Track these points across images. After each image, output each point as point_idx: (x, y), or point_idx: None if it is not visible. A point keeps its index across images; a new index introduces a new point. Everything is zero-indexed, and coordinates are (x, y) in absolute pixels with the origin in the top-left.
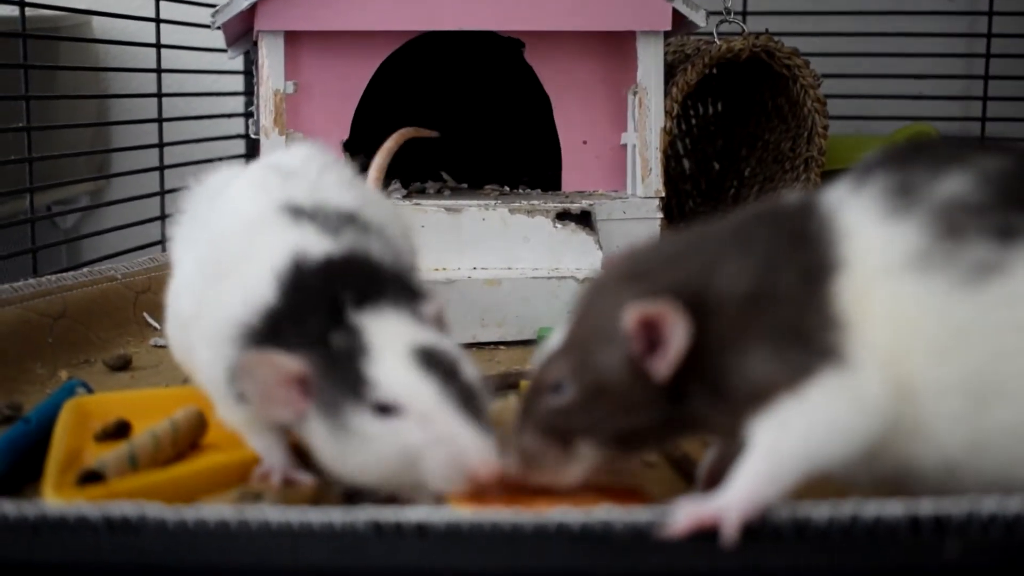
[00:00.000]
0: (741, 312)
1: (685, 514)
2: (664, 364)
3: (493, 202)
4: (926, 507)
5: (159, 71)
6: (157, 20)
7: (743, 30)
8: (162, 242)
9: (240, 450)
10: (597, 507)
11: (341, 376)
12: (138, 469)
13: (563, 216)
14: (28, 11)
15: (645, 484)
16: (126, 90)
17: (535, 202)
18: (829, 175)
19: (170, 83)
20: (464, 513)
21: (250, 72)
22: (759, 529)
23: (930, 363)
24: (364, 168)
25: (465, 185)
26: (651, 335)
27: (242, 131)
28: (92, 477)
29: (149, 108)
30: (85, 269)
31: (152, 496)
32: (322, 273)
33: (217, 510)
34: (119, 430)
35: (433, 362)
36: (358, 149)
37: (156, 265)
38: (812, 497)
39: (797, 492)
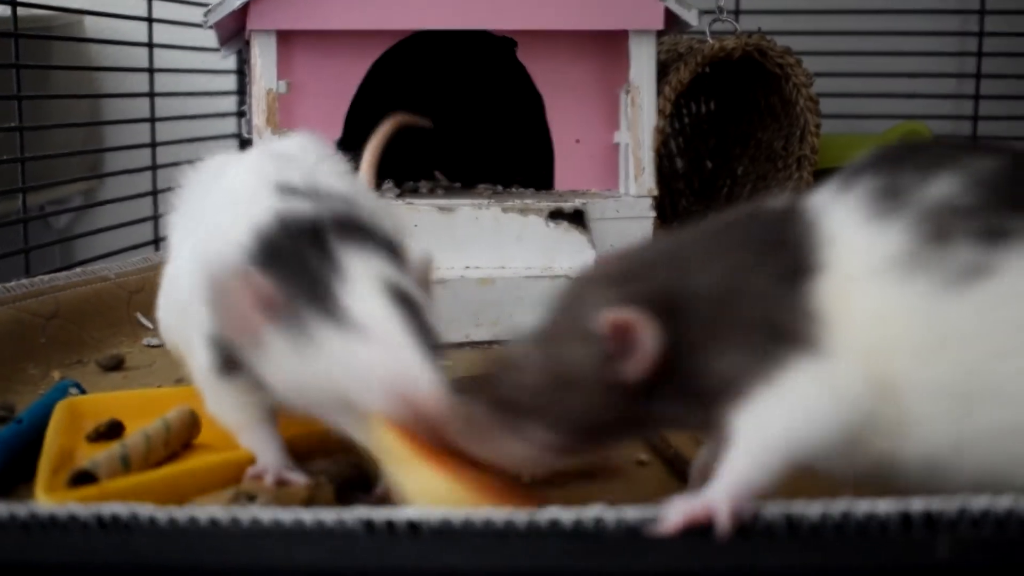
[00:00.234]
0: (715, 313)
1: (676, 511)
2: (633, 369)
3: (486, 201)
4: (917, 505)
5: (151, 70)
6: (149, 19)
7: (735, 29)
8: (155, 242)
9: (233, 450)
10: (590, 507)
11: (309, 291)
12: (130, 469)
13: (556, 215)
14: (20, 11)
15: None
16: (119, 90)
17: (528, 201)
18: (822, 173)
19: (163, 83)
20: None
21: (243, 72)
22: (751, 527)
23: (915, 364)
24: (357, 167)
25: (458, 184)
26: (623, 340)
27: (235, 131)
28: (84, 477)
29: (142, 108)
30: (78, 269)
31: (144, 496)
32: (308, 222)
33: (209, 510)
34: (112, 430)
35: (403, 299)
36: (351, 148)
37: (149, 265)
38: (804, 496)
39: (789, 491)
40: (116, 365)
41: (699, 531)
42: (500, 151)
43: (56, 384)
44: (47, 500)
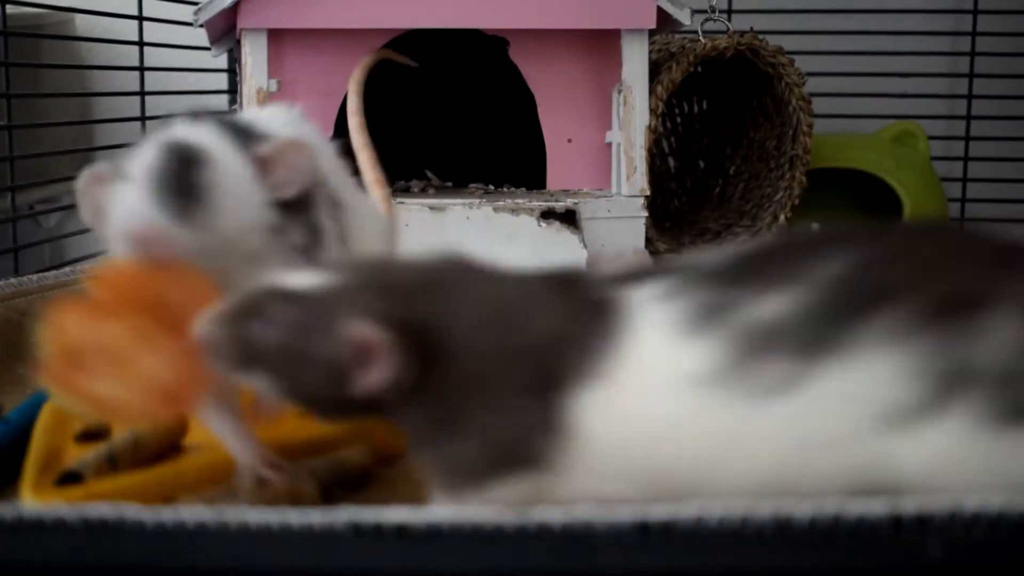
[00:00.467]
0: (467, 382)
1: None
2: (362, 387)
3: (477, 200)
4: (909, 506)
5: (142, 69)
6: (140, 18)
7: (728, 28)
8: None
9: (221, 451)
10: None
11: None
12: (117, 470)
13: (548, 215)
14: (9, 9)
15: None
16: (109, 88)
17: (519, 201)
18: (815, 173)
19: (153, 81)
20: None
21: (234, 70)
22: (739, 529)
23: (714, 472)
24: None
25: (450, 184)
26: (362, 356)
27: None
28: (71, 478)
29: (132, 106)
30: (67, 268)
31: (131, 497)
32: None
33: (196, 512)
34: (99, 431)
35: (183, 158)
36: (342, 147)
37: None
38: None
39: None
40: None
41: (688, 533)
42: (492, 150)
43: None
44: (34, 500)
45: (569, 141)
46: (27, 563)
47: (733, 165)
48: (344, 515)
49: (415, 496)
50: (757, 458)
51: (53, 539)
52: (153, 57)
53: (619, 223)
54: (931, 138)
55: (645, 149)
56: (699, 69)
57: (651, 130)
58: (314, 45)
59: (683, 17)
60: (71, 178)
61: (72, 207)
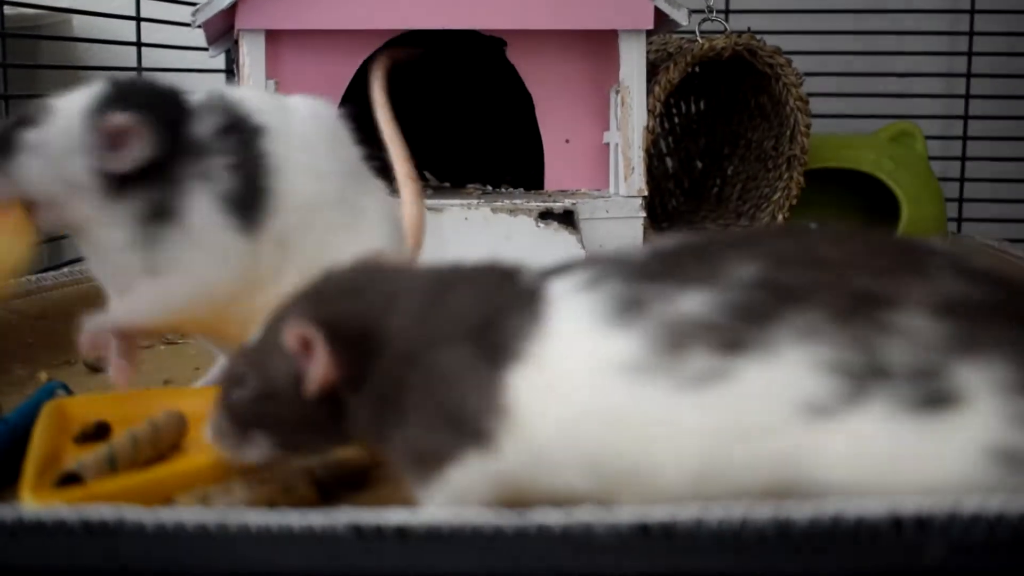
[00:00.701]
0: (408, 369)
1: None
2: (308, 385)
3: (475, 201)
4: (909, 507)
5: (139, 70)
6: (137, 19)
7: (725, 28)
8: None
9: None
10: (578, 508)
11: None
12: (117, 471)
13: (545, 215)
14: (7, 10)
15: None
16: None
17: (517, 201)
18: (813, 174)
19: None
20: (445, 515)
21: (231, 71)
22: (739, 530)
23: (648, 454)
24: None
25: (447, 184)
26: (304, 354)
27: None
28: (70, 479)
29: None
30: (65, 269)
31: (131, 498)
32: None
33: (196, 513)
34: (99, 432)
35: None
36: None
37: None
38: None
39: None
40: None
41: (688, 535)
42: (489, 151)
43: (43, 385)
44: (33, 502)
45: (567, 141)
46: (27, 565)
47: (731, 165)
48: (345, 516)
49: (414, 497)
50: (679, 448)
51: (53, 541)
52: (150, 58)
53: (617, 223)
54: (929, 138)
55: (643, 150)
56: (697, 69)
57: (649, 131)
58: (311, 46)
59: (680, 17)
60: None
61: None
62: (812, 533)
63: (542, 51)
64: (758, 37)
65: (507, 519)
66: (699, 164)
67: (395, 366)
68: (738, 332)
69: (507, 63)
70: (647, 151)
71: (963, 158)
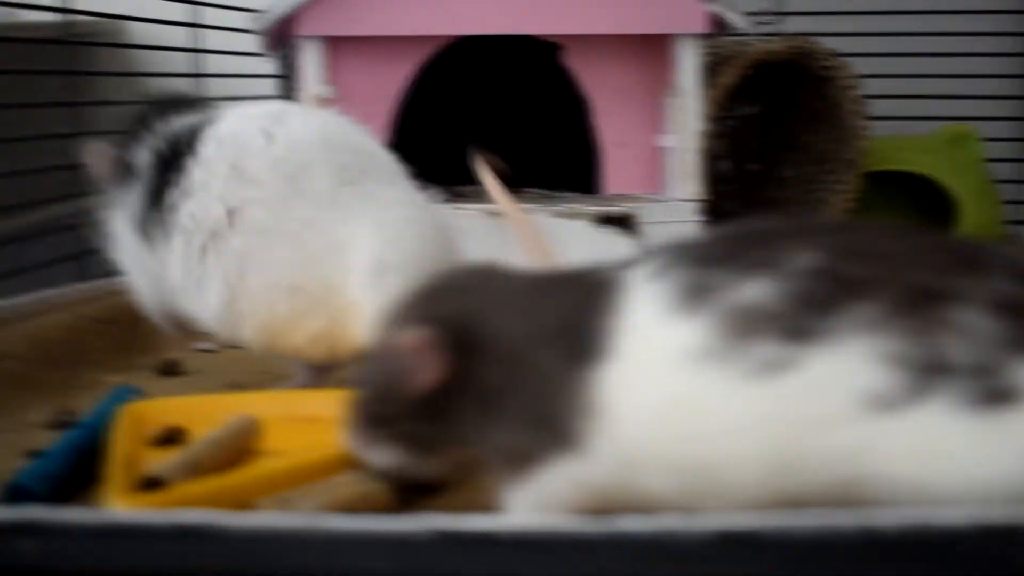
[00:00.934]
0: (504, 371)
1: None
2: (419, 384)
3: (535, 206)
4: (997, 516)
5: (195, 76)
6: (194, 25)
7: (780, 31)
8: None
9: (295, 456)
10: (662, 515)
11: None
12: (197, 475)
13: (603, 220)
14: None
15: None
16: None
17: (575, 206)
18: (869, 176)
19: (206, 88)
20: (529, 521)
21: (283, 76)
22: (824, 539)
23: (720, 446)
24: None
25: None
26: (414, 356)
27: None
28: (153, 483)
29: None
30: None
31: (213, 502)
32: None
33: (284, 518)
34: (173, 436)
35: None
36: (397, 153)
37: None
38: None
39: None
40: (171, 370)
41: (771, 543)
42: (543, 155)
43: (115, 389)
44: (119, 506)
45: (623, 145)
46: (117, 568)
47: (787, 168)
48: (429, 522)
49: (491, 502)
50: (748, 440)
51: (143, 545)
52: (205, 63)
53: (674, 227)
54: (985, 140)
55: (699, 153)
56: (751, 72)
57: (705, 134)
58: (368, 52)
59: (737, 21)
60: None
61: None
62: (898, 542)
63: (598, 55)
64: (813, 39)
65: (590, 525)
66: (754, 167)
67: (494, 367)
68: (803, 320)
69: (561, 67)
70: (703, 155)
71: (1020, 160)
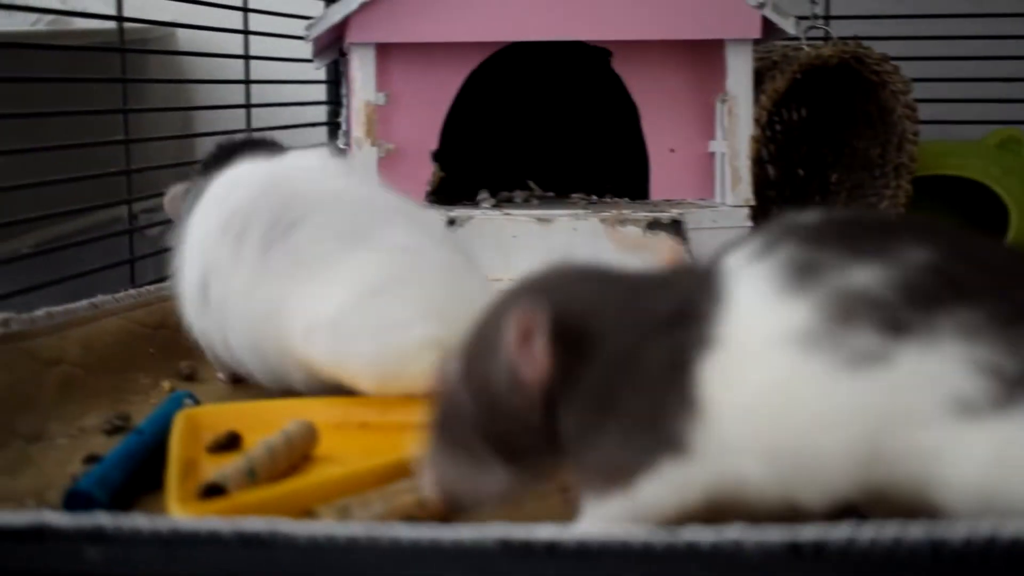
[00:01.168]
0: (610, 368)
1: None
2: (531, 368)
3: (583, 211)
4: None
5: (247, 82)
6: (246, 32)
7: (830, 35)
8: None
9: (355, 463)
10: (729, 527)
11: None
12: (256, 482)
13: (654, 225)
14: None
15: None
16: (208, 101)
17: (625, 211)
18: (918, 181)
19: (254, 93)
20: (594, 531)
21: (334, 82)
22: (892, 550)
23: (813, 431)
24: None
25: (551, 194)
26: (524, 340)
27: (325, 140)
28: (214, 490)
29: (234, 118)
30: None
31: (273, 510)
32: None
33: (347, 527)
34: (230, 442)
35: None
36: (447, 158)
37: None
38: None
39: None
40: (190, 375)
41: (839, 554)
42: (592, 160)
43: (171, 395)
44: (181, 512)
45: (672, 151)
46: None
47: (835, 173)
48: (494, 531)
49: (552, 511)
50: (840, 429)
51: (207, 552)
52: (257, 70)
53: (724, 233)
54: None
55: (750, 159)
56: (799, 76)
57: (754, 139)
58: (419, 59)
59: (788, 26)
60: None
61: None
62: (966, 553)
63: (648, 61)
64: (864, 44)
65: (656, 536)
66: (801, 172)
67: (601, 366)
68: (905, 314)
69: (610, 72)
70: (754, 160)
71: None
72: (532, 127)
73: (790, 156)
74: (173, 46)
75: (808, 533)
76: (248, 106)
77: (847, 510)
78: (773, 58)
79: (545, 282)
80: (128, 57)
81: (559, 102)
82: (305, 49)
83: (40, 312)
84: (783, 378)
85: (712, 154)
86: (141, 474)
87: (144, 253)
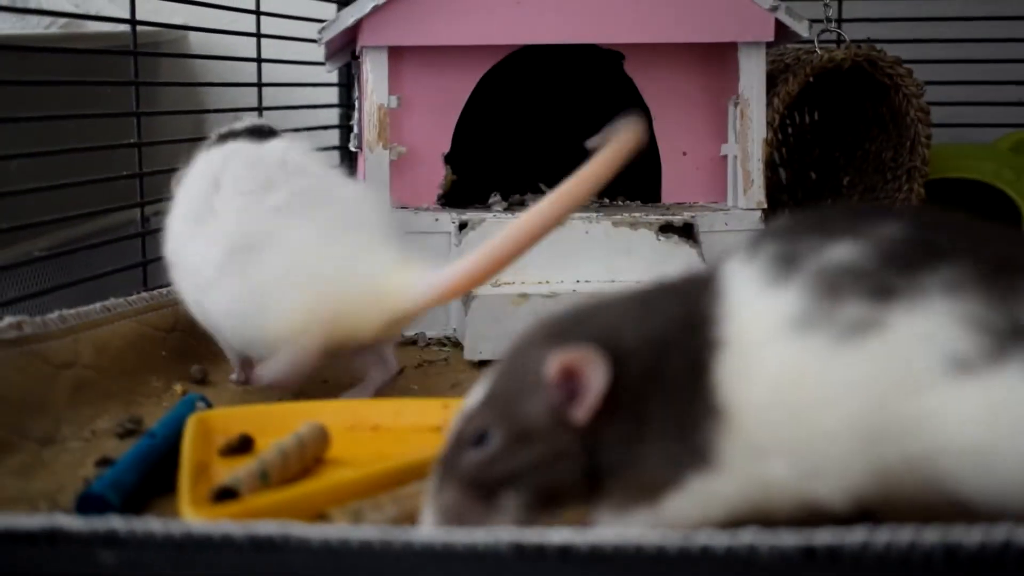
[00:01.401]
0: (642, 383)
1: None
2: (584, 407)
3: (596, 214)
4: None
5: (259, 85)
6: (258, 35)
7: (841, 38)
8: None
9: (367, 465)
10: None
11: None
12: (269, 485)
13: (666, 228)
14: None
15: None
16: (219, 104)
17: (637, 214)
18: (930, 184)
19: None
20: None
21: (346, 85)
22: (907, 554)
23: (821, 414)
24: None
25: None
26: (572, 381)
27: (337, 143)
28: (227, 494)
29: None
30: None
31: (286, 513)
32: None
33: (360, 530)
34: (243, 445)
35: None
36: (459, 161)
37: None
38: None
39: None
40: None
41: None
42: None
43: (183, 398)
44: (193, 516)
45: (684, 154)
46: None
47: (847, 176)
48: (507, 535)
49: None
50: (843, 406)
51: (220, 556)
52: (269, 73)
53: (736, 237)
54: None
55: (762, 162)
56: (811, 79)
57: (767, 142)
58: (431, 62)
59: (801, 29)
60: None
61: None
62: (981, 557)
63: (660, 64)
64: (877, 47)
65: (670, 539)
66: (813, 175)
67: (631, 388)
68: (889, 279)
69: (622, 75)
70: (766, 163)
71: None
72: (544, 130)
73: (802, 159)
74: (186, 49)
75: (823, 537)
76: (260, 109)
77: (862, 515)
78: (786, 61)
79: (571, 319)
80: (141, 60)
81: (571, 105)
82: (317, 52)
83: (53, 315)
84: (788, 365)
85: (724, 157)
86: (153, 477)
87: (156, 256)
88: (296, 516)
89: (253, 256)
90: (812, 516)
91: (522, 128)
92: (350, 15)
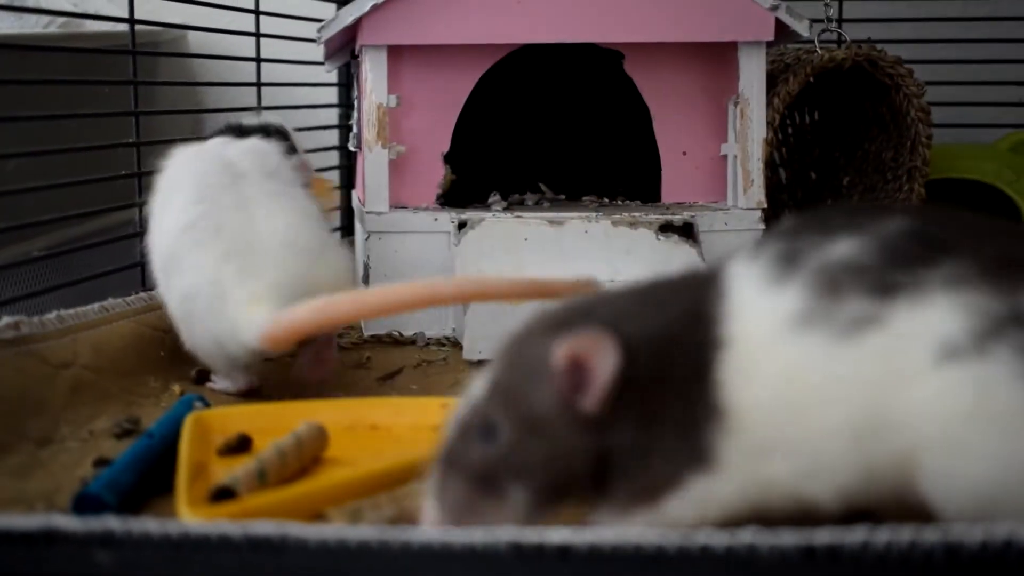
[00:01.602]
0: (647, 377)
1: None
2: (593, 395)
3: (595, 214)
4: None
5: (259, 85)
6: (257, 35)
7: (842, 37)
8: None
9: (365, 465)
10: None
11: None
12: (267, 485)
13: (666, 228)
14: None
15: None
16: (218, 103)
17: (637, 214)
18: (929, 184)
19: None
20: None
21: (345, 84)
22: (907, 553)
23: (819, 412)
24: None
25: (563, 196)
26: (579, 370)
27: (336, 143)
28: (224, 493)
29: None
30: None
31: (283, 513)
32: None
33: (358, 530)
34: (241, 444)
35: None
36: (458, 160)
37: None
38: None
39: None
40: (203, 378)
41: (853, 557)
42: (603, 162)
43: (181, 398)
44: (191, 516)
45: (684, 153)
46: None
47: (847, 176)
48: (506, 534)
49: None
50: (840, 402)
51: (217, 556)
52: (268, 73)
53: (736, 236)
54: None
55: (762, 161)
56: (812, 80)
57: (767, 142)
58: (431, 61)
59: (802, 29)
60: None
61: None
62: (981, 556)
63: (660, 63)
64: (878, 47)
65: (670, 539)
66: (813, 175)
67: (640, 382)
68: (891, 275)
69: (622, 75)
70: (766, 163)
71: None
72: (544, 130)
73: (802, 159)
74: (184, 49)
75: (822, 536)
76: (259, 109)
77: (862, 514)
78: (786, 61)
79: (578, 308)
80: (139, 59)
81: (571, 104)
82: (317, 52)
83: (51, 315)
84: (790, 363)
85: (724, 157)
86: (151, 477)
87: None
88: (294, 516)
89: (170, 271)
90: (807, 516)
91: (522, 128)
92: (349, 14)
